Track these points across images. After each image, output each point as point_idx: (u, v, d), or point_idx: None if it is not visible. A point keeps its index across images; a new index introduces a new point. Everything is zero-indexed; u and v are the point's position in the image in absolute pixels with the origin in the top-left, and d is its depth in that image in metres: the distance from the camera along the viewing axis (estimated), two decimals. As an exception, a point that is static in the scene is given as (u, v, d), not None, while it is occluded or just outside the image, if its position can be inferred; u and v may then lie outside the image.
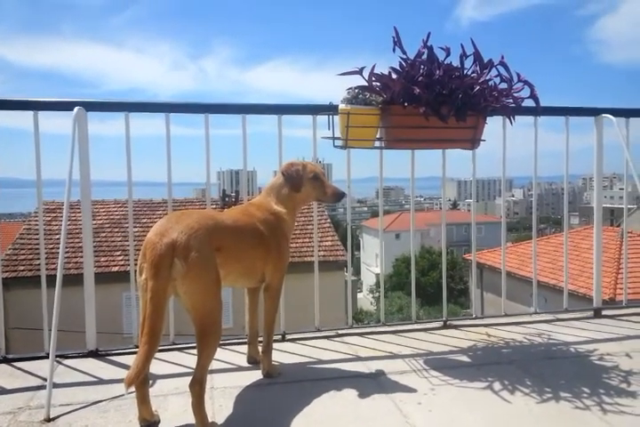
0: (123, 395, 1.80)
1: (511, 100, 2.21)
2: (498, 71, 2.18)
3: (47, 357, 2.05)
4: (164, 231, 1.58)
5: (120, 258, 11.26)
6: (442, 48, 2.15)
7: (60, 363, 2.14)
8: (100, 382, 1.95)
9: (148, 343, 1.50)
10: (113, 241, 11.97)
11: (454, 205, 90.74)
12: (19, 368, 2.11)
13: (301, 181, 2.02)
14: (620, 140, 2.66)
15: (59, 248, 1.92)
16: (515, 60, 2.19)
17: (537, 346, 2.36)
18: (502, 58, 2.18)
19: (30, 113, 2.20)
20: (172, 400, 1.79)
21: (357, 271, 40.13)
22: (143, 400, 1.61)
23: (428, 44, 2.13)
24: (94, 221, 11.78)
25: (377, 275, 35.46)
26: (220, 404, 1.77)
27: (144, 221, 11.78)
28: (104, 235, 11.98)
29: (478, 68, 2.17)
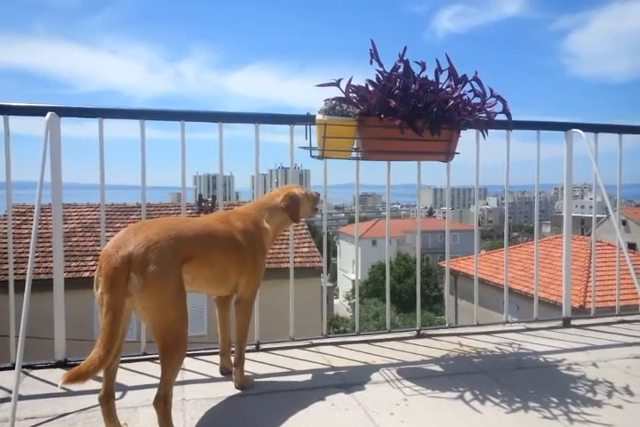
0: (91, 407, 1.76)
1: (484, 115, 2.27)
2: (472, 86, 2.23)
3: (13, 367, 2.00)
4: (121, 243, 1.52)
5: (92, 263, 11.02)
6: (417, 62, 2.20)
7: (26, 374, 2.09)
8: (69, 393, 1.90)
9: (97, 354, 1.40)
10: (85, 246, 11.71)
11: (430, 213, 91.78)
12: (-18, 380, 2.05)
13: (299, 212, 2.12)
14: (588, 155, 2.74)
15: (28, 252, 1.87)
16: (489, 72, 2.26)
17: (508, 356, 2.40)
18: (476, 73, 2.24)
19: (0, 117, 2.16)
20: (142, 412, 1.76)
21: (334, 277, 40.17)
22: (109, 415, 1.57)
23: (405, 57, 2.17)
24: (66, 225, 11.55)
25: (353, 281, 35.55)
26: (191, 416, 1.74)
27: (117, 225, 11.57)
28: (75, 239, 11.73)
29: (453, 82, 2.21)
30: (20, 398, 1.77)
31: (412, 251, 32.52)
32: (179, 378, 1.67)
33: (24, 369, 2.10)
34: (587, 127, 2.90)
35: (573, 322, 2.94)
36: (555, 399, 1.90)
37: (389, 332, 2.70)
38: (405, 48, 2.19)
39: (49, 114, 2.09)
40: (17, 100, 2.28)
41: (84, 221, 12.54)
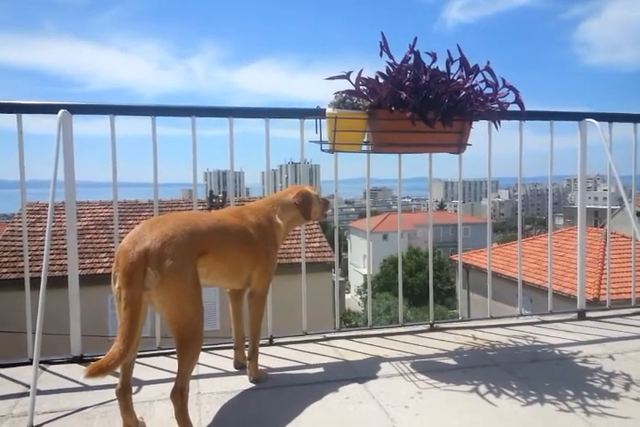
0: (108, 401, 1.78)
1: (496, 106, 2.24)
2: (484, 76, 2.21)
3: (31, 363, 2.03)
4: (137, 239, 1.54)
5: (105, 260, 11.14)
6: (428, 53, 2.17)
7: (44, 369, 2.12)
8: (86, 388, 1.93)
9: (118, 348, 1.43)
10: (98, 243, 11.84)
11: (441, 206, 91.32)
12: (1, 375, 2.07)
13: (311, 210, 2.13)
14: (603, 145, 2.70)
15: (42, 250, 1.89)
16: (499, 63, 2.22)
17: (522, 348, 2.39)
18: (488, 63, 2.21)
19: (14, 115, 2.18)
20: (158, 406, 1.77)
21: (345, 272, 40.20)
22: (126, 408, 1.58)
23: (415, 48, 2.15)
24: (79, 223, 11.64)
25: (364, 276, 35.57)
26: (206, 410, 1.76)
27: (130, 222, 11.67)
28: (89, 236, 11.86)
29: (464, 73, 2.19)
30: (39, 392, 1.80)
31: (423, 245, 32.43)
32: (194, 372, 1.68)
33: (41, 364, 2.13)
34: (601, 117, 2.85)
35: (588, 314, 2.91)
36: (571, 392, 1.88)
37: (402, 325, 2.69)
38: (416, 39, 2.17)
39: (61, 111, 2.10)
40: (28, 98, 2.30)
41: (96, 218, 12.67)
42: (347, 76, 2.17)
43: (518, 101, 2.27)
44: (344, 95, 2.19)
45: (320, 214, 2.24)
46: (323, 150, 2.33)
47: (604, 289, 12.29)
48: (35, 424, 1.65)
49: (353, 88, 2.18)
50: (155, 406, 1.78)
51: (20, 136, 2.17)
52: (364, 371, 2.10)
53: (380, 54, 2.17)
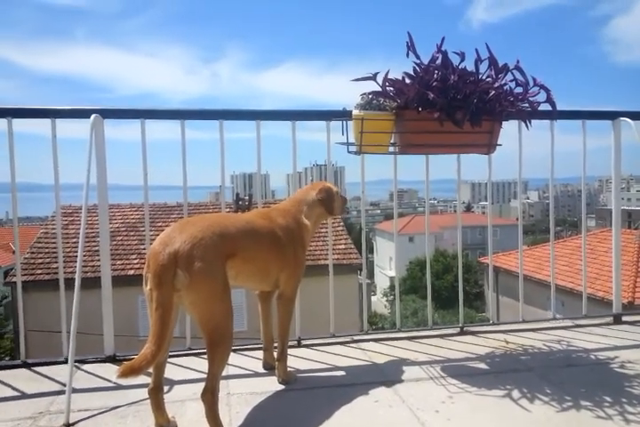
0: (140, 400, 1.81)
1: (527, 105, 2.20)
2: (513, 75, 2.17)
3: (66, 362, 2.07)
4: (167, 241, 1.56)
5: (136, 261, 11.37)
6: (456, 53, 2.15)
7: (78, 368, 2.17)
8: (119, 387, 1.96)
9: (150, 349, 1.46)
10: (129, 244, 12.10)
11: (468, 208, 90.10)
12: (38, 373, 2.14)
13: (334, 205, 2.15)
14: (638, 144, 2.62)
15: (75, 252, 1.94)
16: (526, 62, 2.18)
17: (556, 353, 2.33)
18: (518, 62, 2.17)
19: (48, 120, 2.24)
20: (189, 406, 1.80)
21: (371, 275, 40.01)
22: (158, 407, 1.61)
23: (442, 48, 2.13)
24: (110, 225, 11.84)
25: (391, 278, 35.33)
26: (237, 410, 1.77)
27: (159, 224, 11.87)
28: (120, 238, 12.11)
29: (493, 72, 2.15)
30: (74, 391, 1.84)
31: (449, 247, 32.03)
32: (223, 373, 1.69)
33: (76, 364, 2.18)
34: (636, 115, 2.77)
35: (625, 318, 2.82)
36: (608, 398, 1.83)
37: (431, 328, 2.66)
38: (443, 39, 2.14)
39: (93, 116, 2.15)
40: (58, 105, 2.36)
41: (127, 220, 12.94)
42: (373, 78, 2.16)
43: (550, 101, 2.22)
44: (370, 96, 2.18)
45: (341, 210, 2.23)
46: (349, 152, 2.32)
47: (639, 292, 11.92)
48: (71, 422, 1.70)
49: (379, 89, 2.17)
50: (186, 405, 1.80)
51: (54, 140, 2.23)
52: (392, 374, 2.08)
53: (407, 55, 2.15)
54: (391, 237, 37.03)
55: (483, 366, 2.19)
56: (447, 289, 26.20)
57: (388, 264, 40.07)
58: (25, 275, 10.76)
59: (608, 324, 2.77)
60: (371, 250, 43.25)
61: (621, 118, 2.76)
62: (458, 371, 2.11)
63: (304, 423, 1.68)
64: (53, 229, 11.92)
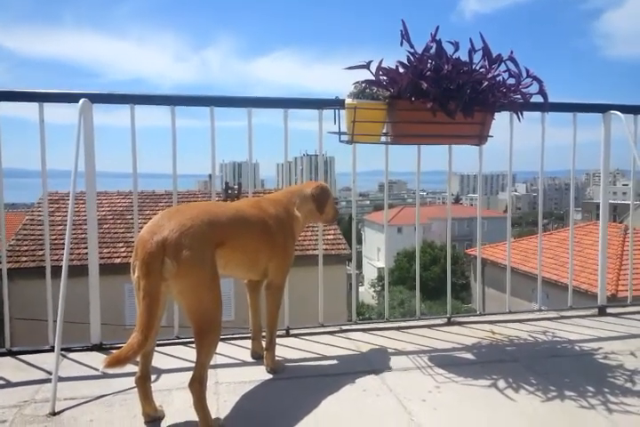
0: (127, 389, 1.80)
1: (519, 96, 2.19)
2: (507, 66, 2.16)
3: (52, 350, 2.06)
4: (156, 229, 1.54)
5: (123, 250, 11.27)
6: (450, 42, 2.13)
7: (64, 356, 2.15)
8: (105, 376, 1.94)
9: (136, 338, 1.44)
10: (116, 233, 11.98)
11: (457, 200, 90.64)
12: (24, 361, 2.11)
13: (326, 205, 2.14)
14: (627, 137, 2.64)
15: (62, 239, 1.92)
16: (517, 54, 2.17)
17: (541, 344, 2.36)
18: (511, 53, 2.16)
19: (35, 104, 2.19)
20: (176, 395, 1.79)
21: (359, 265, 40.19)
22: (145, 396, 1.60)
23: (437, 37, 2.11)
24: (97, 213, 11.73)
25: (379, 269, 35.50)
26: (224, 399, 1.77)
27: (147, 212, 11.76)
28: (107, 226, 12.00)
29: (487, 63, 2.14)
30: (60, 379, 1.82)
31: (437, 238, 32.22)
32: (212, 362, 1.68)
33: (62, 352, 2.16)
34: (626, 109, 2.79)
35: (609, 310, 2.86)
36: (592, 389, 1.86)
37: (419, 319, 2.68)
38: (437, 28, 2.12)
39: (82, 100, 2.11)
40: (47, 89, 2.31)
41: (114, 208, 12.81)
42: (367, 66, 2.14)
43: (542, 92, 2.21)
44: (363, 85, 2.16)
45: (332, 217, 2.24)
46: (341, 141, 2.30)
47: (623, 286, 12.10)
48: (56, 410, 1.68)
49: (373, 78, 2.15)
50: (173, 394, 1.80)
51: (42, 125, 2.18)
52: (380, 363, 2.09)
53: (401, 43, 2.13)
54: (380, 227, 37.18)
55: (469, 356, 2.21)
56: (434, 280, 26.37)
57: (376, 255, 40.26)
58: (10, 262, 10.63)
59: (593, 315, 2.81)
60: (359, 241, 43.40)
61: (612, 111, 2.77)
62: (445, 361, 2.13)
63: (292, 412, 1.69)
64: (39, 215, 11.78)
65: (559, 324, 2.65)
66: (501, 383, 1.91)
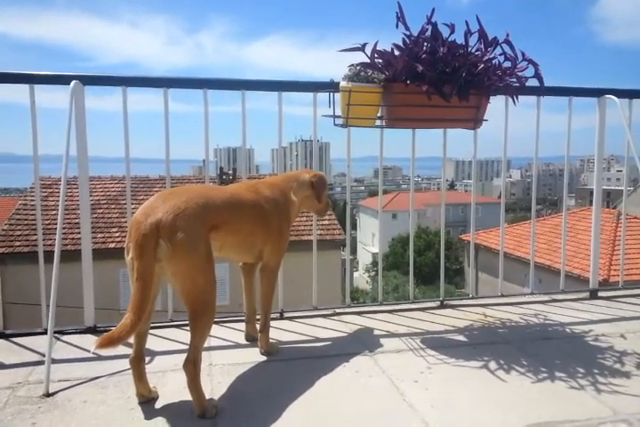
0: (121, 371, 1.81)
1: (515, 80, 2.18)
2: (502, 49, 2.14)
3: (45, 332, 2.06)
4: (150, 211, 1.53)
5: (117, 234, 11.25)
6: (446, 25, 2.11)
7: (58, 339, 2.15)
8: (99, 358, 1.96)
9: (129, 318, 1.44)
10: (110, 217, 11.94)
11: (452, 186, 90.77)
12: (17, 344, 2.11)
13: (323, 194, 2.15)
14: (622, 122, 2.64)
15: (55, 224, 1.91)
16: (514, 40, 2.15)
17: (533, 326, 2.39)
18: (507, 36, 2.14)
19: (26, 86, 2.16)
20: (170, 377, 1.80)
21: (354, 250, 40.35)
22: (139, 377, 1.62)
23: (432, 20, 2.09)
24: (91, 198, 11.66)
25: (373, 254, 35.66)
26: (218, 381, 1.78)
27: (141, 197, 11.71)
28: (100, 211, 11.95)
29: (483, 45, 2.12)
30: (53, 361, 1.83)
31: (432, 224, 32.31)
32: (206, 344, 1.69)
33: (55, 334, 2.16)
34: (621, 93, 2.78)
35: (600, 294, 2.89)
36: (582, 370, 1.88)
37: (412, 302, 2.70)
38: (433, 10, 2.10)
39: (73, 82, 2.08)
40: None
41: (108, 193, 12.74)
42: (362, 49, 2.12)
43: (537, 76, 2.20)
44: (358, 68, 2.14)
45: (325, 208, 2.24)
46: (336, 125, 2.29)
47: (614, 270, 12.23)
48: (50, 391, 1.69)
49: (368, 61, 2.13)
50: (167, 376, 1.81)
51: (33, 107, 2.15)
52: (373, 345, 2.11)
53: (396, 25, 2.11)
54: (375, 213, 37.22)
55: (461, 338, 2.23)
56: (428, 265, 26.56)
57: (370, 240, 40.39)
58: (3, 247, 10.60)
59: (584, 299, 2.84)
60: (354, 226, 43.49)
61: (607, 96, 2.76)
62: (437, 343, 2.16)
63: (285, 393, 1.70)
64: (32, 200, 11.69)
65: (551, 307, 2.68)
66: (493, 365, 1.93)
